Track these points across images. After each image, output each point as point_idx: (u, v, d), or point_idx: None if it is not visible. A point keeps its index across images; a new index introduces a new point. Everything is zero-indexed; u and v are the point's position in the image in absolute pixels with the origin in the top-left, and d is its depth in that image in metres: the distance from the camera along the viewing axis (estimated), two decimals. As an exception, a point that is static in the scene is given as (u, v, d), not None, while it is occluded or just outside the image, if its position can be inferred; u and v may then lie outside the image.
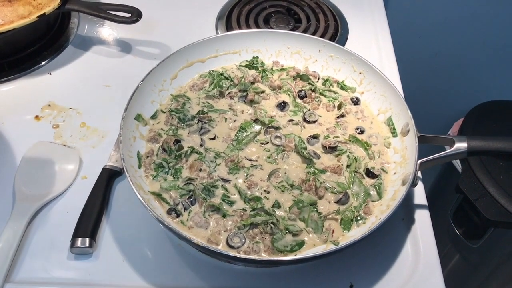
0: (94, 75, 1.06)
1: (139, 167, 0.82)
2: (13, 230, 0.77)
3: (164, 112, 0.91)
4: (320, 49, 0.99)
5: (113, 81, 1.05)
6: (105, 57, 1.11)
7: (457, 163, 1.37)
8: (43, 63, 1.07)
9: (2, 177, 0.87)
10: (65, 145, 0.92)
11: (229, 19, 1.20)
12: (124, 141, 0.80)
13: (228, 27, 1.18)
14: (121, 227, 0.82)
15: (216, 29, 1.19)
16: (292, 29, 1.17)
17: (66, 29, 1.14)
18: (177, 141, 0.85)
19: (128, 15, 1.03)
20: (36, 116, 0.97)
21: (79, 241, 0.77)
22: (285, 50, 1.01)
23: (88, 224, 0.79)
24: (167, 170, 0.82)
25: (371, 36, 1.19)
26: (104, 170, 0.87)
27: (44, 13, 0.99)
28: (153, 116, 0.90)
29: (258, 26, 1.18)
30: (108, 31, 1.16)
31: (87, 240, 0.78)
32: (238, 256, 0.71)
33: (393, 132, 0.90)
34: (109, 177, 0.86)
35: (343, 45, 1.15)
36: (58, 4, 1.02)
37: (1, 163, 0.89)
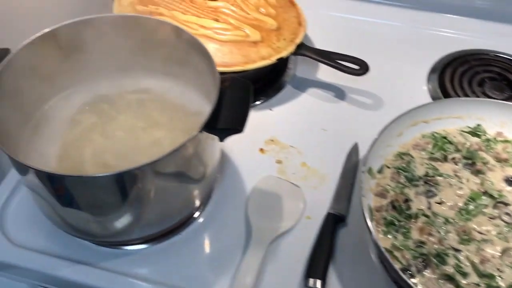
0: (311, 117, 1.13)
1: (371, 220, 0.86)
2: (254, 258, 0.84)
3: (389, 168, 0.94)
4: (553, 126, 0.96)
5: (329, 126, 1.10)
6: (320, 100, 1.17)
7: None
8: (265, 99, 1.16)
9: (234, 202, 0.96)
10: (291, 183, 0.98)
11: (442, 76, 1.21)
12: (366, 194, 0.84)
13: (440, 84, 1.19)
14: (346, 274, 0.86)
15: (428, 81, 1.20)
16: (508, 98, 1.15)
17: (285, 70, 1.22)
18: (406, 200, 0.88)
19: (356, 67, 1.09)
20: (261, 149, 1.06)
21: (311, 281, 0.82)
22: (511, 123, 1.00)
23: (319, 266, 0.84)
24: (397, 228, 0.85)
25: None
26: (330, 215, 0.92)
27: (282, 56, 1.08)
28: (380, 171, 0.94)
29: (471, 89, 1.18)
30: (322, 75, 1.22)
31: (319, 282, 0.82)
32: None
33: None
34: (335, 223, 0.91)
35: None
36: (293, 49, 1.10)
37: (233, 188, 0.98)
